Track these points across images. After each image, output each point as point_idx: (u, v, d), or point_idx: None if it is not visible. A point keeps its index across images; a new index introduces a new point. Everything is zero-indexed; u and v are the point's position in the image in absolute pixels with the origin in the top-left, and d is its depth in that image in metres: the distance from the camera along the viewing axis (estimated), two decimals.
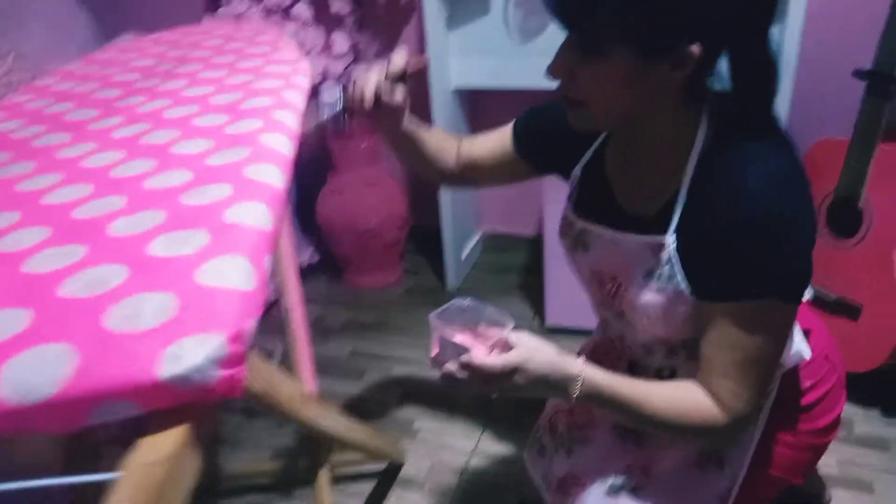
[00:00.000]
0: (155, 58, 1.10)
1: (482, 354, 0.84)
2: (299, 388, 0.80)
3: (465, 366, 0.84)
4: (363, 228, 2.17)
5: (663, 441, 1.15)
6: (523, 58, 1.98)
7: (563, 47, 0.82)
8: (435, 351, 0.88)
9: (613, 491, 1.16)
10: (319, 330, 2.16)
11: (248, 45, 1.13)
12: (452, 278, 2.28)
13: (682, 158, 0.87)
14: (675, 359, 1.02)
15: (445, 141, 1.18)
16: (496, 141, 1.15)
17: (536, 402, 1.41)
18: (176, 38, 1.27)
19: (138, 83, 0.95)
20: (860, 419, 1.62)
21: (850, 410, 1.64)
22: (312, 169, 2.37)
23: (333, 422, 0.92)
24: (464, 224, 2.35)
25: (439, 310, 0.88)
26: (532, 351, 0.85)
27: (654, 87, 0.80)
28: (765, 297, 0.82)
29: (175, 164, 0.63)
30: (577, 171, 1.06)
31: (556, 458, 1.27)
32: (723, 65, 0.84)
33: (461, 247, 2.34)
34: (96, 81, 0.99)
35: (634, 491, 1.15)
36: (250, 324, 0.41)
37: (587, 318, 1.39)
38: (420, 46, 2.18)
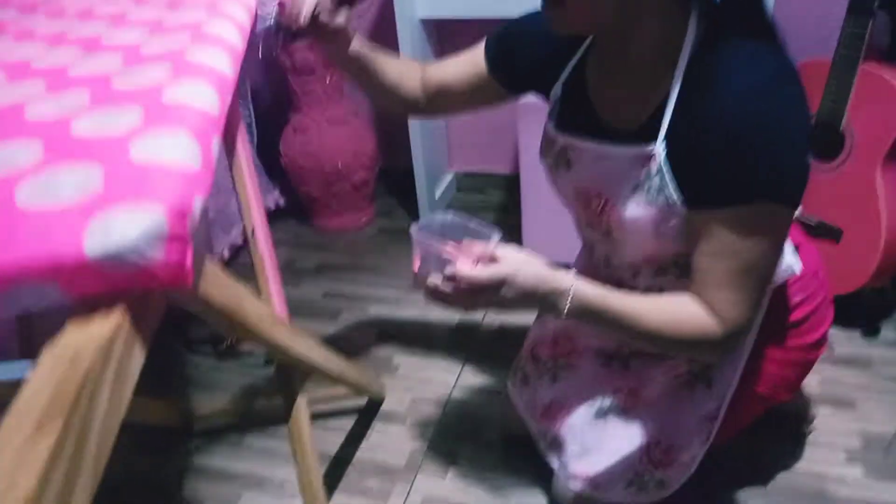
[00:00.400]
0: None
1: (468, 266, 0.79)
2: (269, 309, 0.74)
3: (451, 278, 0.80)
4: (329, 169, 2.09)
5: (650, 364, 1.13)
6: None
7: None
8: (417, 265, 0.83)
9: (601, 413, 1.14)
10: (290, 273, 2.09)
11: None
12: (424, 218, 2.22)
13: (670, 65, 0.82)
14: (664, 278, 0.99)
15: (407, 67, 1.12)
16: (467, 63, 1.10)
17: (518, 336, 1.38)
18: None
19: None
20: (842, 340, 1.63)
21: (831, 332, 1.64)
22: (273, 107, 2.26)
23: (309, 349, 0.87)
24: (436, 163, 2.28)
25: (420, 222, 0.84)
26: (520, 263, 0.81)
27: None
28: (758, 200, 0.79)
29: (104, 51, 0.55)
30: (557, 88, 1.01)
31: (541, 386, 1.25)
32: None
33: (434, 187, 2.27)
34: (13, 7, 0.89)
35: (623, 412, 1.13)
36: (197, 202, 0.35)
37: (566, 255, 1.35)
38: None
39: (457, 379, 1.62)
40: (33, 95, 0.45)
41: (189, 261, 0.34)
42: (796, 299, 1.09)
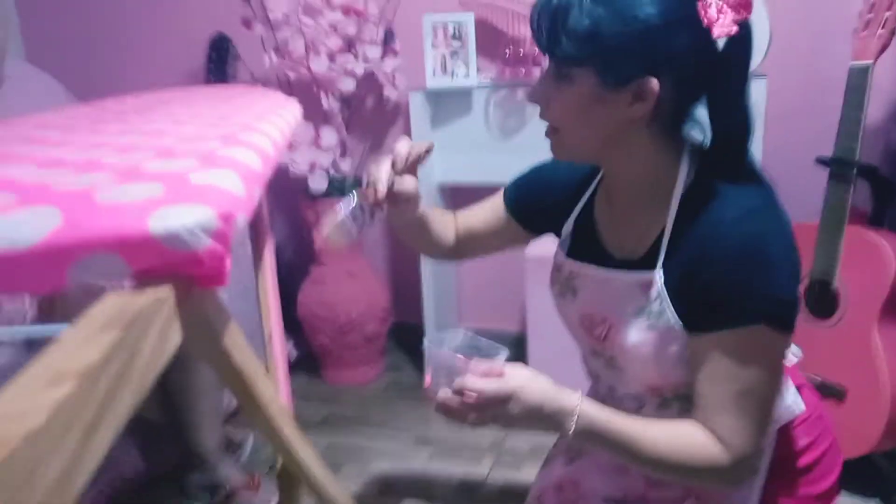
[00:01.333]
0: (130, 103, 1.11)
1: (476, 380, 0.82)
2: (281, 402, 0.77)
3: (459, 391, 0.82)
4: (343, 319, 2.16)
5: None
6: (503, 154, 2.07)
7: (542, 75, 0.89)
8: (429, 379, 0.86)
9: None
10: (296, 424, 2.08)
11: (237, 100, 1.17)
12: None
13: (665, 201, 0.90)
14: (668, 411, 1.00)
15: (445, 219, 1.21)
16: (489, 209, 1.19)
17: (522, 492, 1.34)
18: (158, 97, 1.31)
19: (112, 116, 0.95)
20: None
21: (848, 501, 1.58)
22: (295, 262, 2.38)
23: (313, 460, 0.87)
24: (446, 320, 2.34)
25: (434, 338, 0.88)
26: (527, 380, 0.84)
27: (618, 117, 0.85)
28: (753, 323, 0.82)
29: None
30: (568, 224, 1.08)
31: None
32: (703, 115, 0.90)
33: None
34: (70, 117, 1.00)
35: None
36: (241, 216, 0.41)
37: None
38: None
39: None
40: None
41: (227, 264, 0.39)
42: (802, 443, 1.08)
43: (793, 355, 1.08)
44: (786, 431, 1.06)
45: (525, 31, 1.97)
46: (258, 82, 2.20)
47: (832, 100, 1.59)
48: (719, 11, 0.80)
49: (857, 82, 1.49)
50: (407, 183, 0.99)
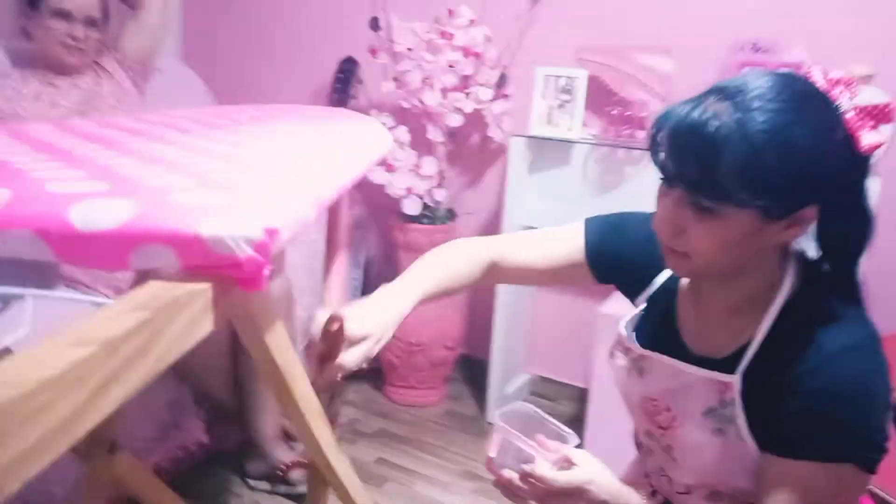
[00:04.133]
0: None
1: (547, 467, 0.82)
2: (318, 406, 0.83)
3: (527, 476, 0.82)
4: (414, 340, 2.23)
5: None
6: (595, 207, 2.07)
7: (675, 204, 0.81)
8: (494, 451, 0.86)
9: None
10: (350, 431, 2.16)
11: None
12: (492, 412, 2.26)
13: (763, 309, 0.86)
14: (718, 503, 0.94)
15: (470, 270, 1.09)
16: (559, 248, 1.08)
17: None
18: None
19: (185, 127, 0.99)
20: None
21: None
22: (382, 278, 2.48)
23: (346, 468, 0.93)
24: (513, 360, 2.37)
25: (504, 409, 0.88)
26: (597, 473, 0.83)
27: (766, 244, 0.81)
28: (843, 461, 0.78)
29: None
30: (642, 299, 1.03)
31: None
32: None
33: (507, 383, 2.34)
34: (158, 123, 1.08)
35: None
36: (285, 232, 0.48)
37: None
38: (502, 185, 2.34)
39: None
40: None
41: (266, 271, 0.46)
42: None
43: None
44: None
45: (635, 93, 2.00)
46: (374, 107, 2.33)
47: None
48: (861, 121, 0.78)
49: None
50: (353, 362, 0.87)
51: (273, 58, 2.78)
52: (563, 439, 0.85)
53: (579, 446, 0.85)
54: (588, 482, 0.81)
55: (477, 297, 2.51)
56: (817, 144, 0.75)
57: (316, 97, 2.66)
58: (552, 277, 1.12)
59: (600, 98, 2.09)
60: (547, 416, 0.88)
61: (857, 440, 0.78)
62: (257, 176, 0.57)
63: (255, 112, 1.20)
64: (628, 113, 2.03)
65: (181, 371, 1.69)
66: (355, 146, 0.89)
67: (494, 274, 1.11)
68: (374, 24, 2.17)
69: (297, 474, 1.80)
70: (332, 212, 1.19)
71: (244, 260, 0.44)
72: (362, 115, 1.35)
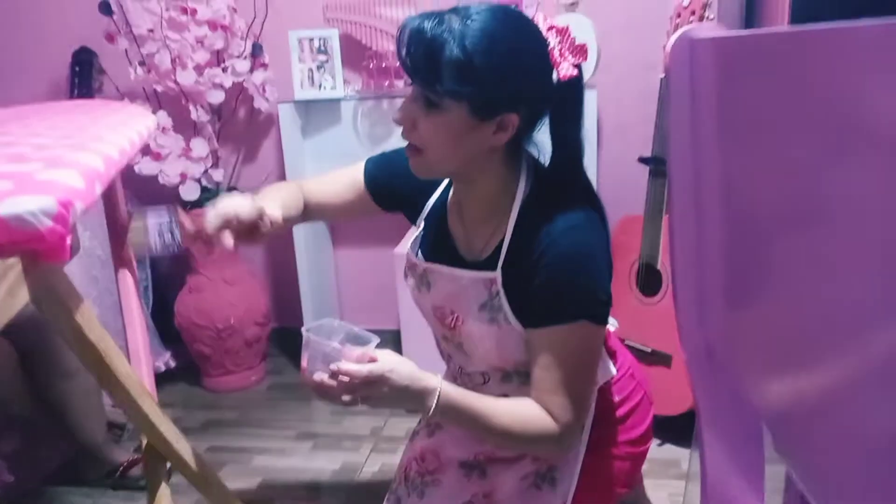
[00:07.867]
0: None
1: (350, 363, 0.93)
2: (139, 380, 0.85)
3: (335, 373, 0.93)
4: (222, 325, 2.21)
5: (502, 469, 1.26)
6: None
7: (409, 99, 0.98)
8: (305, 364, 0.96)
9: None
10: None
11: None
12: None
13: (507, 212, 1.06)
14: (509, 385, 1.15)
15: (294, 200, 1.23)
16: (347, 184, 1.25)
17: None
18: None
19: None
20: (687, 458, 1.79)
21: (677, 451, 1.81)
22: (171, 272, 2.40)
23: (176, 437, 0.95)
24: None
25: (312, 325, 0.97)
26: (395, 363, 0.96)
27: (480, 144, 0.98)
28: (577, 320, 0.99)
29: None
30: (421, 220, 1.21)
31: (409, 503, 1.33)
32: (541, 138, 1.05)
33: None
34: None
35: None
36: (79, 204, 0.51)
37: None
38: (278, 155, 2.36)
39: None
40: None
41: (67, 242, 0.49)
42: (617, 398, 1.27)
43: (611, 325, 1.27)
44: (604, 389, 1.25)
45: (387, 45, 2.11)
46: (124, 96, 2.22)
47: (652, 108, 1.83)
48: (561, 56, 0.97)
49: (666, 92, 1.73)
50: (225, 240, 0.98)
51: None
52: (367, 341, 0.97)
53: (380, 346, 0.98)
54: (389, 371, 0.94)
55: (278, 268, 2.53)
56: (519, 53, 0.95)
57: (54, 95, 2.44)
58: (348, 211, 1.28)
59: (356, 54, 2.18)
60: (351, 325, 1.00)
61: (585, 301, 1.00)
62: (34, 164, 0.58)
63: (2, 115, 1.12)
64: (384, 65, 2.14)
65: None
66: (117, 123, 0.89)
67: (308, 211, 1.24)
68: (105, 8, 2.04)
69: (135, 471, 1.80)
70: (111, 217, 1.15)
71: (46, 231, 0.47)
72: (116, 101, 1.31)
